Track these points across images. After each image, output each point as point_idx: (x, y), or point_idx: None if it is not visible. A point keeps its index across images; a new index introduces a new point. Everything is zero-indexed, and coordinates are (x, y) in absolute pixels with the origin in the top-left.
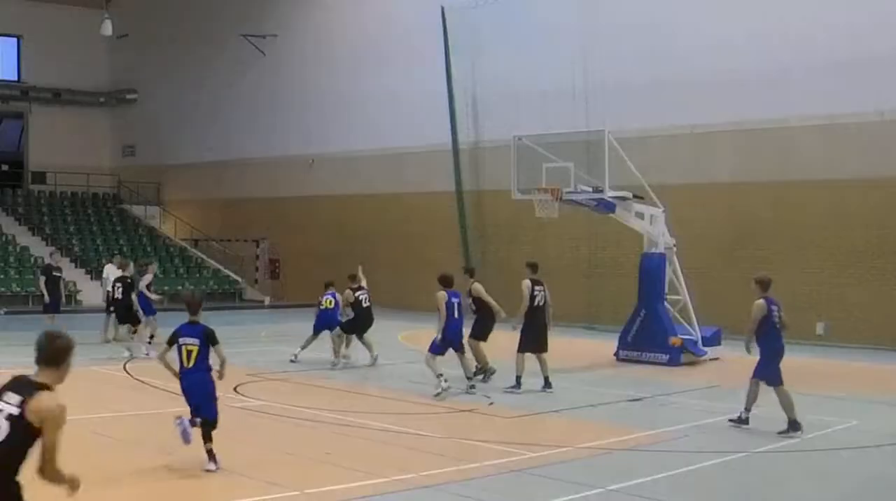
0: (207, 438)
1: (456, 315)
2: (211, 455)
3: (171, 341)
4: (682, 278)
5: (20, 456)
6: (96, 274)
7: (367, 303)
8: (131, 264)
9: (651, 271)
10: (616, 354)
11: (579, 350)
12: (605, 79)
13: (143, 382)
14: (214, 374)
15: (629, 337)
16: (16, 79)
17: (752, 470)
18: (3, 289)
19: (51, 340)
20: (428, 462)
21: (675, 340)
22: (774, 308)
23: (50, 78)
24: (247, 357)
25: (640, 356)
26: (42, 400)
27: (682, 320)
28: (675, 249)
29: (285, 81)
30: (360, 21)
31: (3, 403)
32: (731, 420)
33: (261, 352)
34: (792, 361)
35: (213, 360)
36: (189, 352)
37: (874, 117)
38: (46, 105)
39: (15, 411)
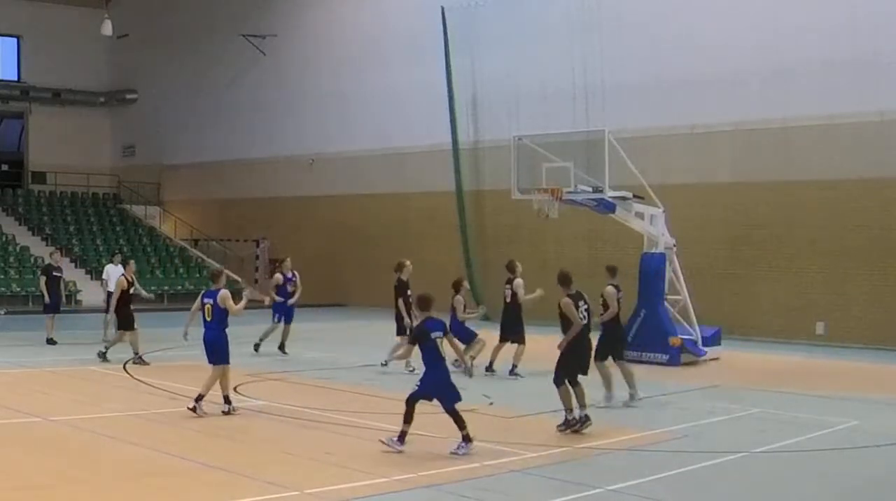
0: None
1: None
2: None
3: None
4: (682, 278)
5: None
6: (96, 274)
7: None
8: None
9: (651, 271)
10: None
11: None
12: (605, 79)
13: (142, 382)
14: None
15: (629, 337)
16: (16, 79)
17: (752, 470)
18: (3, 289)
19: None
20: (428, 463)
21: (674, 340)
22: None
23: (50, 78)
24: (246, 357)
25: (640, 356)
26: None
27: (682, 320)
28: (675, 249)
29: (285, 81)
30: (360, 21)
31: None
32: None
33: (260, 352)
34: (792, 361)
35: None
36: None
37: (874, 117)
38: (46, 105)
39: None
